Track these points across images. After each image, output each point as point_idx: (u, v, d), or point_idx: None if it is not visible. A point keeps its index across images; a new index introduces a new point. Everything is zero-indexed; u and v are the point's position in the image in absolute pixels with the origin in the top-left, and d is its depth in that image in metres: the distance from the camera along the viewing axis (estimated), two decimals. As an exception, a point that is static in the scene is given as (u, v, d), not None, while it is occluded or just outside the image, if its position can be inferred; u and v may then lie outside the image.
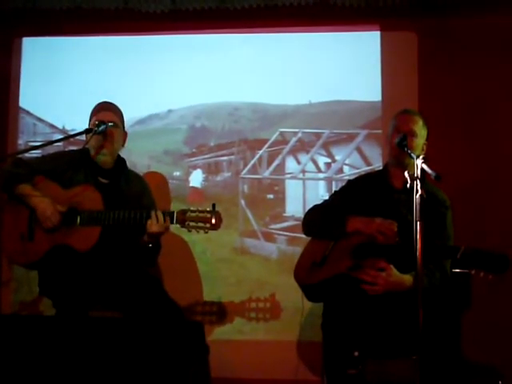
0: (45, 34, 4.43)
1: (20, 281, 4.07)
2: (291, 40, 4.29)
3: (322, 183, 4.25)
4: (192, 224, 2.90)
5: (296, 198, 4.24)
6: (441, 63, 4.08)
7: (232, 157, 4.32)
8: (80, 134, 3.19)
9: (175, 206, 3.98)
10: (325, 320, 3.10)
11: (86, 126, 3.20)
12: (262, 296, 4.14)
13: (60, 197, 3.07)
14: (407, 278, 2.93)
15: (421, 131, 3.10)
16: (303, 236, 3.31)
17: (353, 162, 4.22)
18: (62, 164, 3.17)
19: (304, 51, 4.27)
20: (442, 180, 2.51)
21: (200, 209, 2.92)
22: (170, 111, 4.38)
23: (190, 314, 4.06)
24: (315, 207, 3.29)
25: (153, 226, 2.95)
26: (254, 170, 4.29)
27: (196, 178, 4.33)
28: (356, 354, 2.87)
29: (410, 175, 2.61)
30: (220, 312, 4.13)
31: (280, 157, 4.28)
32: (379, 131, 4.15)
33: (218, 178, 4.32)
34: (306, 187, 4.25)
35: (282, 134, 4.29)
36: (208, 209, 2.91)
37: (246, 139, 4.32)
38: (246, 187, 4.29)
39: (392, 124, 3.15)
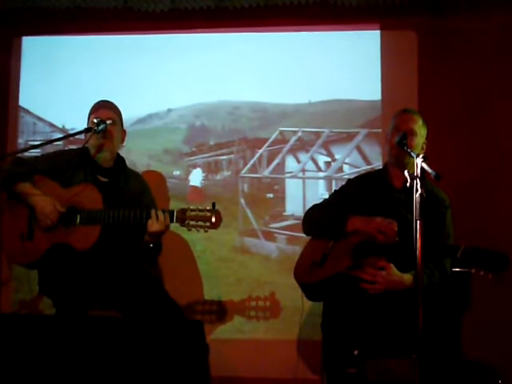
0: (44, 33, 4.43)
1: (20, 280, 4.07)
2: (291, 39, 4.29)
3: (321, 182, 4.25)
4: (192, 223, 2.90)
5: (296, 197, 4.24)
6: (441, 62, 4.07)
7: (232, 156, 4.32)
8: (80, 133, 3.20)
9: (175, 205, 3.98)
10: (325, 319, 3.10)
11: (86, 125, 3.20)
12: (262, 295, 4.14)
13: (60, 196, 3.07)
14: (407, 277, 2.93)
15: (420, 130, 3.10)
16: (303, 235, 3.31)
17: (353, 161, 4.22)
18: (62, 163, 3.17)
19: (304, 50, 4.26)
20: (441, 179, 2.51)
21: (200, 207, 2.92)
22: (169, 110, 4.38)
23: (189, 313, 4.06)
24: (315, 206, 3.29)
25: (153, 225, 2.94)
26: (253, 169, 4.29)
27: (196, 177, 4.33)
28: (356, 352, 2.87)
29: (409, 174, 2.60)
30: (220, 311, 4.13)
31: (280, 156, 4.28)
32: (379, 130, 4.15)
33: (218, 177, 4.32)
34: (305, 186, 4.25)
35: (281, 133, 4.29)
36: (208, 207, 2.91)
37: (245, 138, 4.32)
38: (245, 186, 4.29)
39: (392, 123, 3.15)
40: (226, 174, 4.32)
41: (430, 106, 3.92)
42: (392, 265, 2.94)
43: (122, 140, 3.32)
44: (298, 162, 4.27)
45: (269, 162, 4.28)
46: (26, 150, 3.91)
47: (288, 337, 4.04)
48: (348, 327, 2.93)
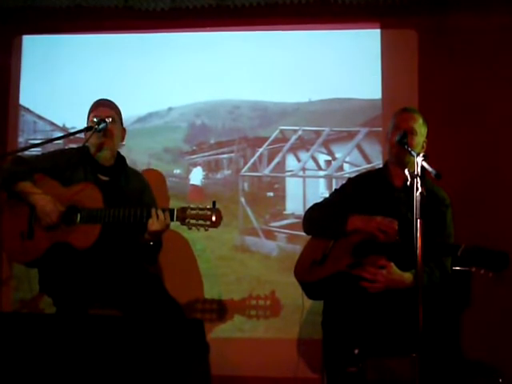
0: (45, 32, 4.42)
1: (20, 279, 4.07)
2: (291, 38, 4.29)
3: (322, 181, 4.25)
4: (192, 221, 2.90)
5: (296, 196, 4.24)
6: (441, 61, 4.07)
7: (232, 155, 4.32)
8: (80, 131, 3.19)
9: (175, 204, 3.97)
10: (325, 318, 3.10)
11: (86, 124, 3.20)
12: (262, 294, 4.14)
13: (60, 195, 3.07)
14: (407, 276, 2.94)
15: (421, 129, 3.10)
16: (303, 234, 3.31)
17: (353, 159, 4.22)
18: (62, 162, 3.17)
19: (304, 49, 4.26)
20: (442, 178, 2.51)
21: (200, 206, 2.92)
22: (170, 109, 4.38)
23: (189, 312, 4.05)
24: (315, 206, 3.29)
25: (154, 223, 2.95)
26: (254, 168, 4.29)
27: (196, 176, 4.33)
28: (356, 351, 2.87)
29: (410, 173, 2.61)
30: (220, 309, 4.13)
31: (280, 154, 4.27)
32: (379, 129, 4.15)
33: (218, 176, 4.32)
34: (306, 185, 4.25)
35: (282, 131, 4.29)
36: (208, 206, 2.92)
37: (246, 137, 4.32)
38: (246, 185, 4.29)
39: (392, 122, 3.15)
40: (227, 172, 4.32)
41: (430, 105, 3.92)
42: (392, 263, 2.94)
43: (122, 138, 3.32)
44: (299, 160, 4.27)
45: (269, 161, 4.28)
46: (27, 148, 3.90)
47: (288, 336, 4.04)
48: (348, 326, 2.94)
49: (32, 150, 3.80)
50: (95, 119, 3.13)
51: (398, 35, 4.20)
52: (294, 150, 4.27)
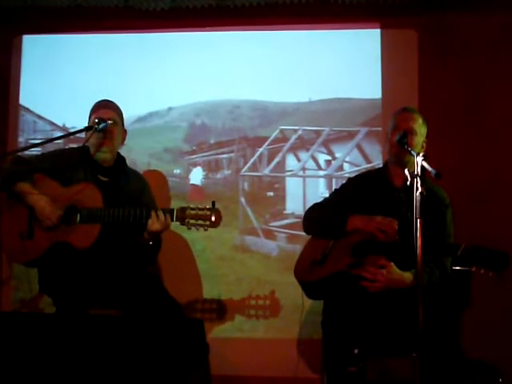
0: (45, 31, 4.42)
1: (20, 279, 4.07)
2: (291, 38, 4.29)
3: (322, 181, 4.25)
4: (192, 221, 2.90)
5: (296, 196, 4.24)
6: (441, 61, 4.07)
7: (232, 154, 4.32)
8: (80, 131, 3.19)
9: (175, 204, 3.97)
10: (325, 318, 3.10)
11: (86, 124, 3.20)
12: (262, 294, 4.14)
13: (60, 195, 3.07)
14: (407, 276, 2.94)
15: (420, 129, 3.10)
16: (303, 234, 3.31)
17: (353, 159, 4.22)
18: (62, 162, 3.17)
19: (304, 49, 4.26)
20: (442, 178, 2.51)
21: (200, 206, 2.92)
22: (170, 109, 4.38)
23: (189, 312, 4.05)
24: (315, 205, 3.29)
25: (154, 223, 2.95)
26: (254, 168, 4.29)
27: (196, 176, 4.33)
28: (356, 351, 2.87)
29: (410, 173, 2.61)
30: (220, 309, 4.13)
31: (280, 154, 4.27)
32: (379, 129, 4.15)
33: (218, 176, 4.32)
34: (306, 185, 4.25)
35: (282, 131, 4.29)
36: (208, 206, 2.91)
37: (246, 137, 4.32)
38: (246, 185, 4.29)
39: (391, 122, 3.15)
40: (227, 172, 4.32)
41: (430, 105, 3.92)
42: (392, 263, 2.94)
43: (123, 140, 3.31)
44: (299, 160, 4.27)
45: (269, 161, 4.28)
46: (27, 148, 3.90)
47: (288, 335, 4.04)
48: (348, 326, 2.94)
49: (32, 149, 3.80)
50: (96, 120, 3.13)
51: (398, 35, 4.20)
52: (293, 149, 4.27)
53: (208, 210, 2.90)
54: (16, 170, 3.08)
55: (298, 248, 3.68)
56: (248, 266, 4.20)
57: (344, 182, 3.40)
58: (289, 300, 4.03)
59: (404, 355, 2.82)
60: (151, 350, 2.61)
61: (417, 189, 2.53)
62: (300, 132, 4.27)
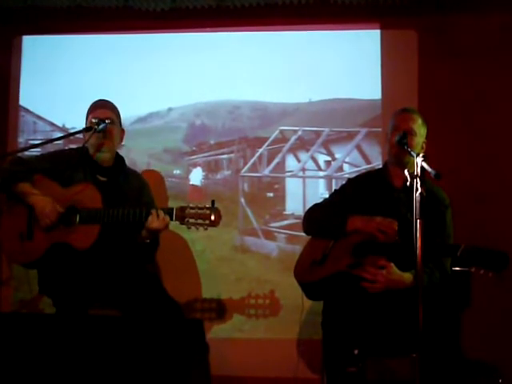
0: (45, 32, 4.42)
1: (20, 279, 4.06)
2: (291, 38, 4.29)
3: (321, 181, 4.25)
4: (191, 221, 2.90)
5: (296, 196, 4.24)
6: (441, 61, 4.07)
7: (232, 155, 4.32)
8: (80, 132, 3.19)
9: (175, 204, 3.93)
10: (325, 318, 3.10)
11: (85, 125, 3.20)
12: (262, 293, 4.13)
13: (59, 195, 3.07)
14: (407, 276, 2.94)
15: (420, 130, 3.10)
16: (303, 234, 3.31)
17: (353, 160, 4.22)
18: (62, 163, 3.17)
19: (304, 49, 4.26)
20: (441, 178, 2.51)
21: (199, 205, 2.91)
22: (169, 109, 4.38)
23: (189, 312, 4.05)
24: (315, 206, 3.29)
25: (154, 221, 2.94)
26: (254, 168, 4.29)
27: (196, 176, 4.33)
28: (356, 351, 2.87)
29: (409, 173, 2.60)
30: (219, 309, 4.13)
31: (280, 155, 4.28)
32: (379, 129, 4.15)
33: (218, 176, 4.32)
34: (306, 185, 4.25)
35: (282, 132, 4.29)
36: (207, 205, 2.91)
37: (246, 137, 4.32)
38: (246, 185, 4.29)
39: (391, 123, 3.15)
40: (227, 173, 4.32)
41: (430, 105, 3.92)
42: (392, 264, 2.94)
43: (121, 139, 3.31)
44: (298, 161, 4.27)
45: (269, 161, 4.28)
46: (27, 149, 3.90)
47: (288, 336, 4.03)
48: (348, 326, 2.94)
49: (32, 150, 3.80)
50: (94, 120, 3.13)
51: (398, 35, 4.20)
52: (293, 150, 4.28)
53: (207, 209, 2.90)
54: (16, 171, 3.08)
55: (297, 248, 3.68)
56: (248, 267, 4.20)
57: (344, 182, 3.40)
58: (288, 300, 4.03)
59: (404, 355, 2.81)
60: (151, 349, 2.61)
61: (416, 189, 2.53)
62: (300, 132, 4.27)
